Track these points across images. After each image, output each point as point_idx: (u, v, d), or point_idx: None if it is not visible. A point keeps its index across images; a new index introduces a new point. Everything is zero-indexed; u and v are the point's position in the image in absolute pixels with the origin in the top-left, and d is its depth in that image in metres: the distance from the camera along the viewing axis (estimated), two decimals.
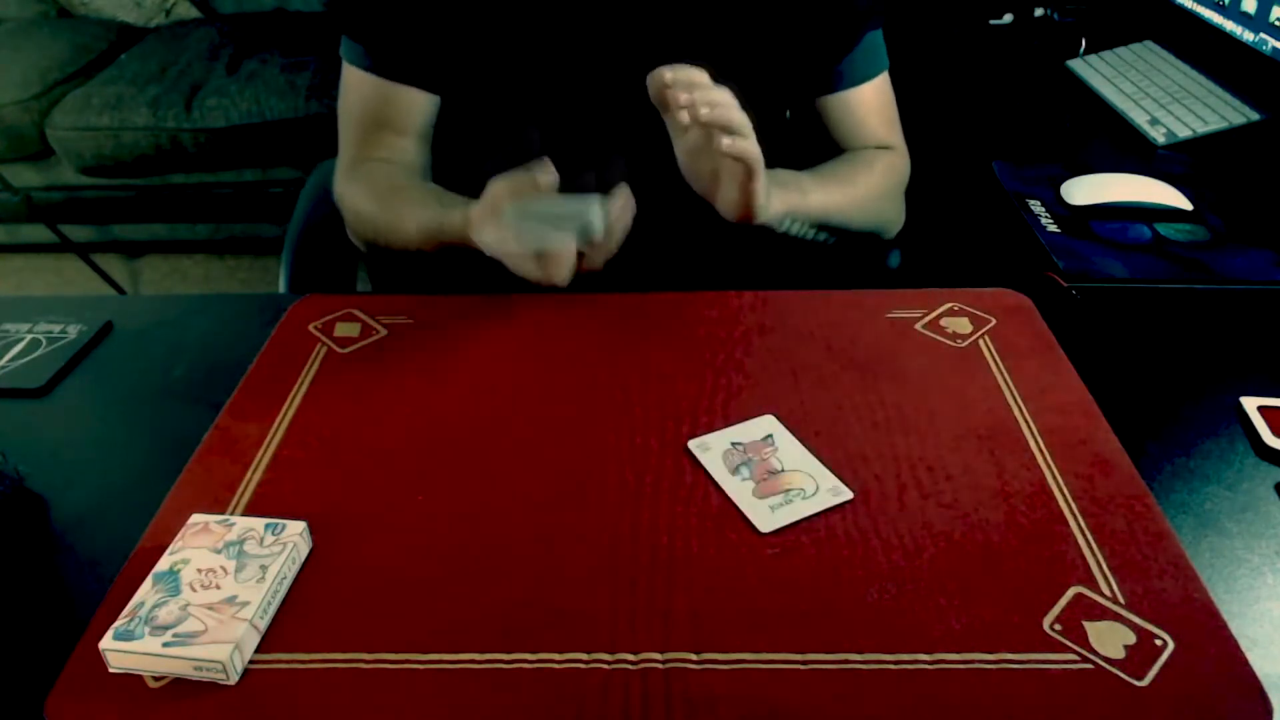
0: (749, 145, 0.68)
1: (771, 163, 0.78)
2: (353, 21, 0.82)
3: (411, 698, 0.46)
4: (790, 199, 0.77)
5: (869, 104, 0.89)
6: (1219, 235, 0.90)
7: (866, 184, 0.86)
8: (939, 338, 0.72)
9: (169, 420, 0.68)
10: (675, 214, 0.90)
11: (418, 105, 0.86)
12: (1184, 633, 0.48)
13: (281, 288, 1.00)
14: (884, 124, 0.90)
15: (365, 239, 0.87)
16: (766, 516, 0.56)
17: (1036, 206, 0.97)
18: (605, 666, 0.47)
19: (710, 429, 0.63)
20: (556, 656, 0.48)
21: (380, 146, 0.86)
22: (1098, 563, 0.52)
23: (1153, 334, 0.75)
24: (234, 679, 0.47)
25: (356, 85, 0.85)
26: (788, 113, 0.94)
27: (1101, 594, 0.50)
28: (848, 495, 0.57)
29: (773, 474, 0.59)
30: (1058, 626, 0.49)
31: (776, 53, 0.84)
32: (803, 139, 0.92)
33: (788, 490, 0.57)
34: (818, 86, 0.88)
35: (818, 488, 0.58)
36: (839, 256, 0.89)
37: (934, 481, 0.58)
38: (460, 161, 0.89)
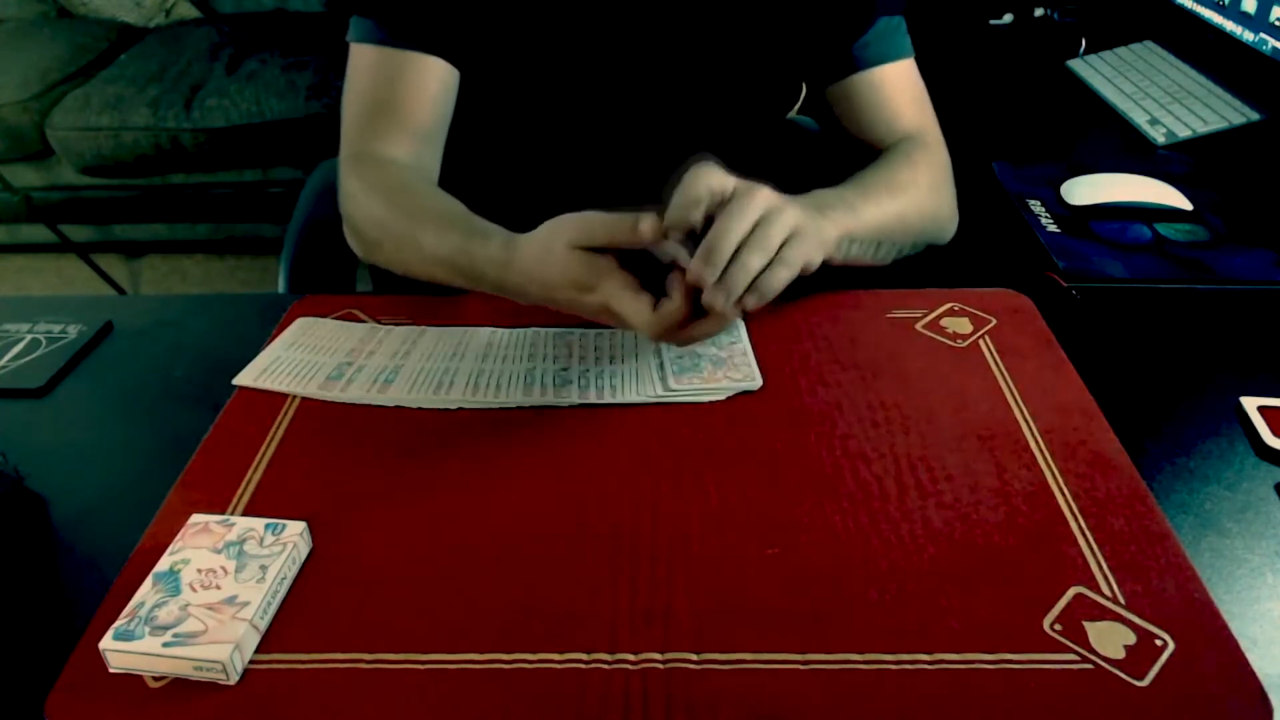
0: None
1: (775, 166, 0.77)
2: None
3: (411, 698, 0.46)
4: (843, 222, 0.68)
5: (895, 83, 0.84)
6: (1219, 235, 0.90)
7: (913, 182, 0.78)
8: (939, 338, 0.72)
9: (169, 420, 0.68)
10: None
11: (432, 78, 0.78)
12: (1184, 633, 0.48)
13: (281, 288, 1.00)
14: (913, 104, 0.85)
15: (369, 247, 0.77)
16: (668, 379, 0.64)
17: (1036, 206, 0.97)
18: (605, 667, 0.47)
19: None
20: (556, 656, 0.48)
21: (384, 138, 0.78)
22: (1098, 563, 0.52)
23: (1153, 334, 0.75)
24: (234, 679, 0.47)
25: (365, 64, 0.79)
26: (794, 109, 0.92)
27: (1101, 594, 0.50)
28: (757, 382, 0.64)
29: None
30: (1058, 626, 0.49)
31: (789, 34, 0.81)
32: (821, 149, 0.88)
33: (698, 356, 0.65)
34: (835, 69, 0.83)
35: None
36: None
37: (934, 481, 0.58)
38: (469, 151, 0.85)
